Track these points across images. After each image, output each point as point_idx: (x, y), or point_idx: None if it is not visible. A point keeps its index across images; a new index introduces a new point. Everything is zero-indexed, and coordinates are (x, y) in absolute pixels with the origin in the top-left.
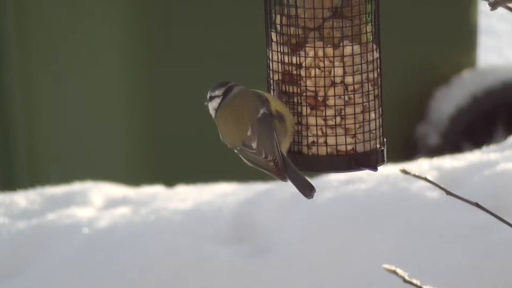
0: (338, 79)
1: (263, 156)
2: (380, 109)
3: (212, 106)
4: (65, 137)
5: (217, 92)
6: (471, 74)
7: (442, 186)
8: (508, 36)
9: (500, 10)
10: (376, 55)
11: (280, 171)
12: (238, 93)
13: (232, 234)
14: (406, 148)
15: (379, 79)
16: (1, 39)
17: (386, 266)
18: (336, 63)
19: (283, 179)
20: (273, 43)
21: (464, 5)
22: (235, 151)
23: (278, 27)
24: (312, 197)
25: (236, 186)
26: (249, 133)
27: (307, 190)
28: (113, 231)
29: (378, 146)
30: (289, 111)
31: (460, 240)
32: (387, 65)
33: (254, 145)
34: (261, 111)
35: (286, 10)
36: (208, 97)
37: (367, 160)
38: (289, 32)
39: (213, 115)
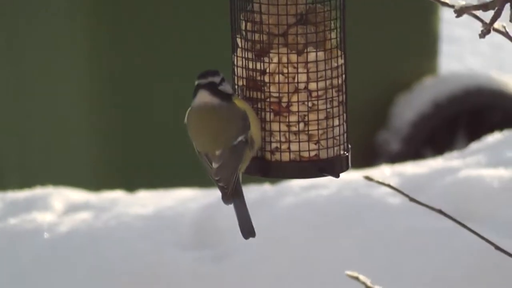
0: (301, 85)
1: (217, 179)
2: (345, 115)
3: (199, 95)
4: (27, 142)
5: (210, 79)
6: (432, 80)
7: (404, 192)
8: (470, 43)
9: (462, 17)
10: (341, 61)
11: (226, 198)
12: (228, 101)
13: (194, 239)
14: (367, 154)
15: (343, 85)
16: None
17: (349, 272)
18: (300, 69)
19: (226, 203)
20: (238, 49)
21: (426, 12)
22: (194, 147)
23: (244, 33)
24: (247, 239)
25: (198, 191)
26: (217, 153)
27: (246, 230)
28: (74, 236)
29: (342, 152)
30: (260, 131)
31: (422, 247)
32: (349, 71)
33: (215, 165)
34: (239, 138)
35: (251, 16)
36: (197, 84)
37: (330, 167)
38: (254, 38)
39: (194, 103)
